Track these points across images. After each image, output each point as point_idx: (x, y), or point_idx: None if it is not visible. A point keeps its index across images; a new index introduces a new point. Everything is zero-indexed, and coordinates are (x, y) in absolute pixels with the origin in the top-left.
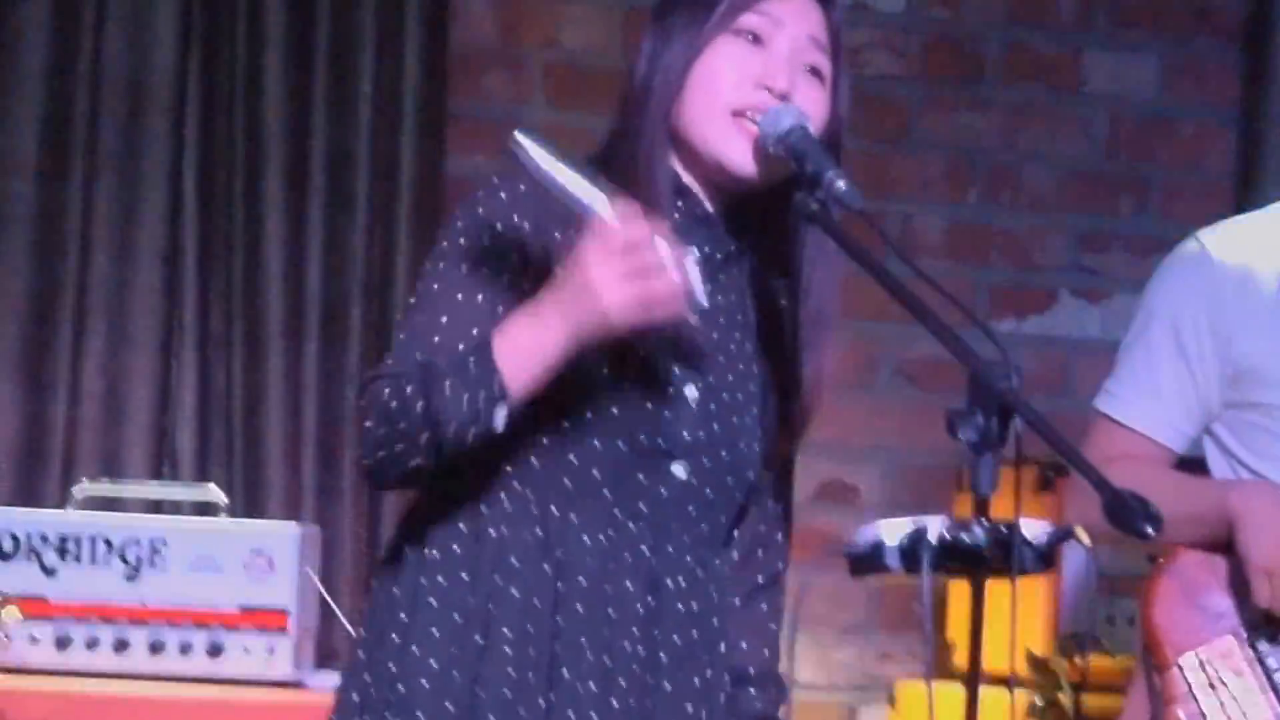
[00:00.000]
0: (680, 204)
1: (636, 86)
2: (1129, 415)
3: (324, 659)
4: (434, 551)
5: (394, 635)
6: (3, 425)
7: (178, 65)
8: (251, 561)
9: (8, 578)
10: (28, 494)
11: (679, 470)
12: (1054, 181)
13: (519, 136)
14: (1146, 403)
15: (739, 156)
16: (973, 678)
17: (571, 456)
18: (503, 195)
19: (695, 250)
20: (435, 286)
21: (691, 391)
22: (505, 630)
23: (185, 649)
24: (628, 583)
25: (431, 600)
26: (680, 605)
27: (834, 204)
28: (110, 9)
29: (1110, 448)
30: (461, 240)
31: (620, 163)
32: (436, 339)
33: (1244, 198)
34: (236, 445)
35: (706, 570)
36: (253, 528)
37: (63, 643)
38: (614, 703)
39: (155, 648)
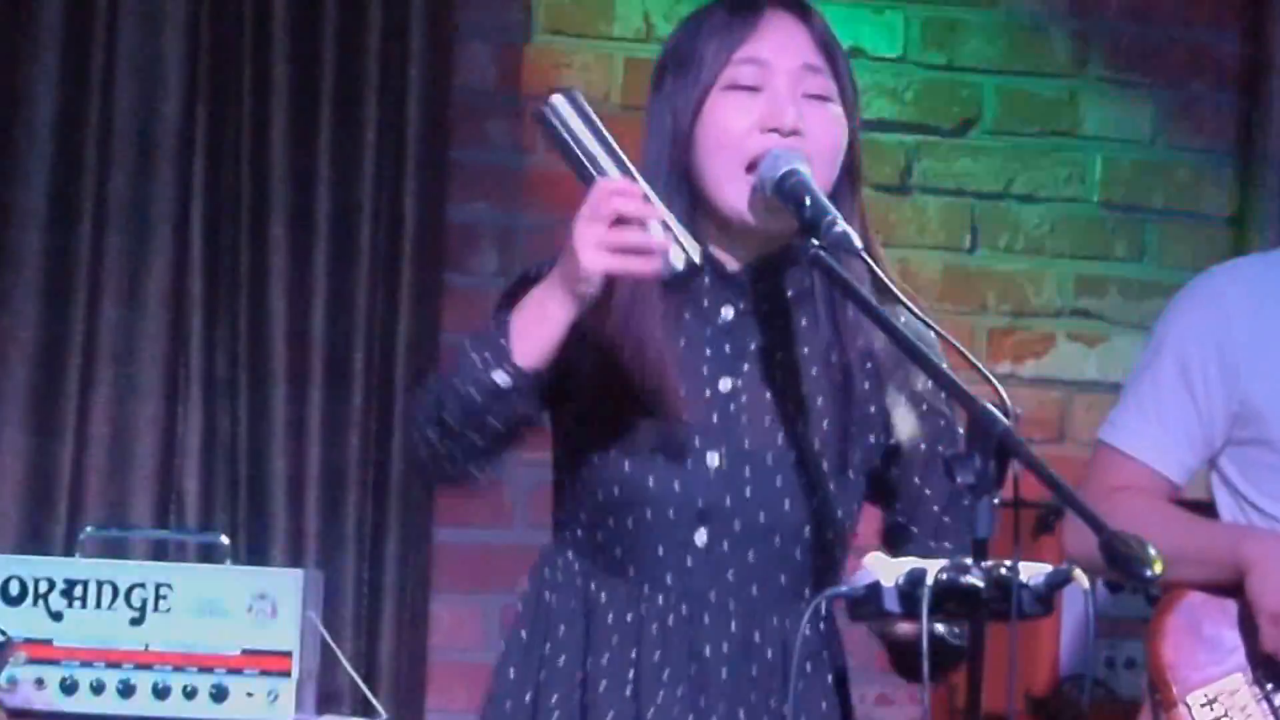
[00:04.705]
0: (709, 266)
1: (648, 163)
2: (1132, 445)
3: (326, 702)
4: (520, 604)
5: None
6: (10, 471)
7: (185, 116)
8: (255, 606)
9: (14, 622)
10: (35, 539)
11: (700, 538)
12: (1050, 225)
13: (553, 101)
14: (1150, 433)
15: (738, 203)
16: None
17: (599, 534)
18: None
19: (731, 308)
20: None
21: (713, 460)
22: (553, 696)
23: (189, 693)
24: (656, 654)
25: (508, 651)
26: (724, 671)
27: (833, 247)
28: (118, 61)
29: (1112, 478)
30: None
31: None
32: None
33: (1240, 241)
34: (241, 491)
35: (764, 633)
36: (256, 573)
37: (68, 687)
38: None
39: (160, 691)
